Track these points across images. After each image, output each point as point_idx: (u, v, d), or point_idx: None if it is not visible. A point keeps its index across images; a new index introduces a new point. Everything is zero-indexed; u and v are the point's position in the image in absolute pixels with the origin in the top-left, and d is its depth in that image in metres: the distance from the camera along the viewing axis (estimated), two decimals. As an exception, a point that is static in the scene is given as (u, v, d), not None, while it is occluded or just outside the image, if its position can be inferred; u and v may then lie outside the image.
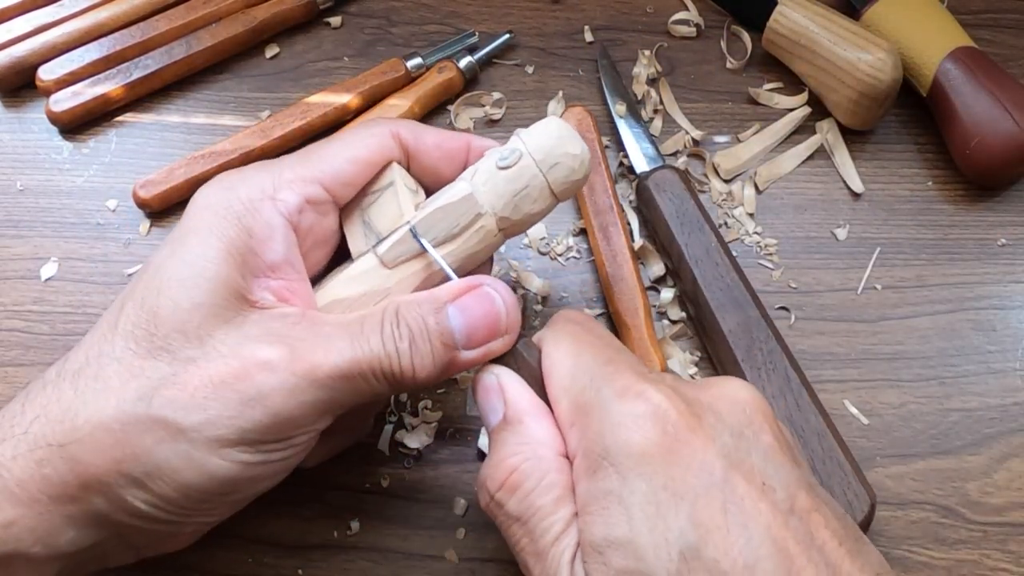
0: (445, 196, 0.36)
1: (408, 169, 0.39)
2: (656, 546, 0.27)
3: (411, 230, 0.36)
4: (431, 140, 0.38)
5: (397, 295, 0.36)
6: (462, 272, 0.37)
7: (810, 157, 0.53)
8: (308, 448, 0.34)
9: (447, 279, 0.36)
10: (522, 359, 0.35)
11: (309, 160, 0.36)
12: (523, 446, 0.32)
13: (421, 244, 0.36)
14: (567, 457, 0.32)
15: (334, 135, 0.38)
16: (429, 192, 0.39)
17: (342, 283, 0.37)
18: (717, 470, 0.28)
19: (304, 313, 0.34)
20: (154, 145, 0.53)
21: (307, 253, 0.36)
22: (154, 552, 0.36)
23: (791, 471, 0.30)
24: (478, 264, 0.38)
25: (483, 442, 0.44)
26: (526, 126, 0.39)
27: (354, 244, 0.38)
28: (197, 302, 0.32)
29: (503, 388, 0.34)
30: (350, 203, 0.38)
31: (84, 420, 0.31)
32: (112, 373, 0.32)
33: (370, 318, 0.34)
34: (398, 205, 0.37)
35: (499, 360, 0.35)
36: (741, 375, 0.43)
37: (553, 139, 0.37)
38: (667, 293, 0.48)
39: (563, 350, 0.33)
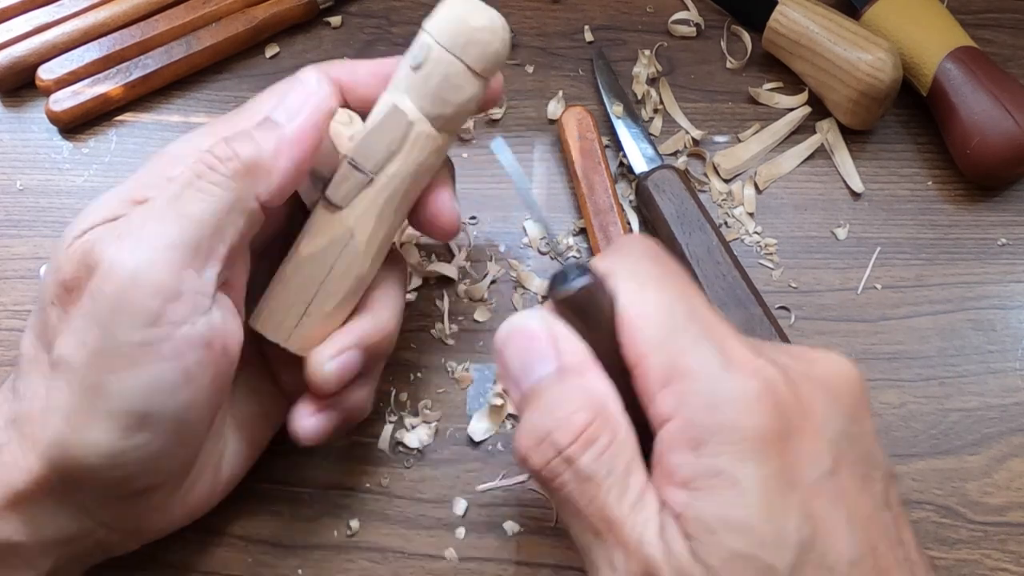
0: (370, 117, 0.36)
1: (347, 105, 0.38)
2: (775, 534, 0.26)
3: (349, 162, 0.35)
4: (364, 70, 0.38)
5: (360, 234, 0.36)
6: (420, 186, 0.37)
7: (810, 157, 0.53)
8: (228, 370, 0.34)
9: (404, 199, 0.36)
10: (590, 299, 0.30)
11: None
12: (592, 399, 0.29)
13: (362, 171, 0.35)
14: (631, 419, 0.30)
15: (269, 90, 0.38)
16: None
17: (304, 242, 0.36)
18: (827, 461, 0.27)
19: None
20: (154, 145, 0.53)
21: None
22: (152, 536, 0.36)
23: (884, 460, 0.29)
24: (435, 172, 0.37)
25: (473, 429, 0.44)
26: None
27: (306, 194, 0.37)
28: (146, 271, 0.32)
29: (556, 336, 0.30)
30: None
31: (29, 400, 0.32)
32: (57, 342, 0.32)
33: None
34: (331, 144, 0.36)
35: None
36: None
37: (456, 19, 0.35)
38: (667, 293, 0.48)
39: (650, 298, 0.30)
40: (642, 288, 0.30)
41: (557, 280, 0.31)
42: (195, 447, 0.35)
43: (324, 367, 0.35)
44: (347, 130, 0.37)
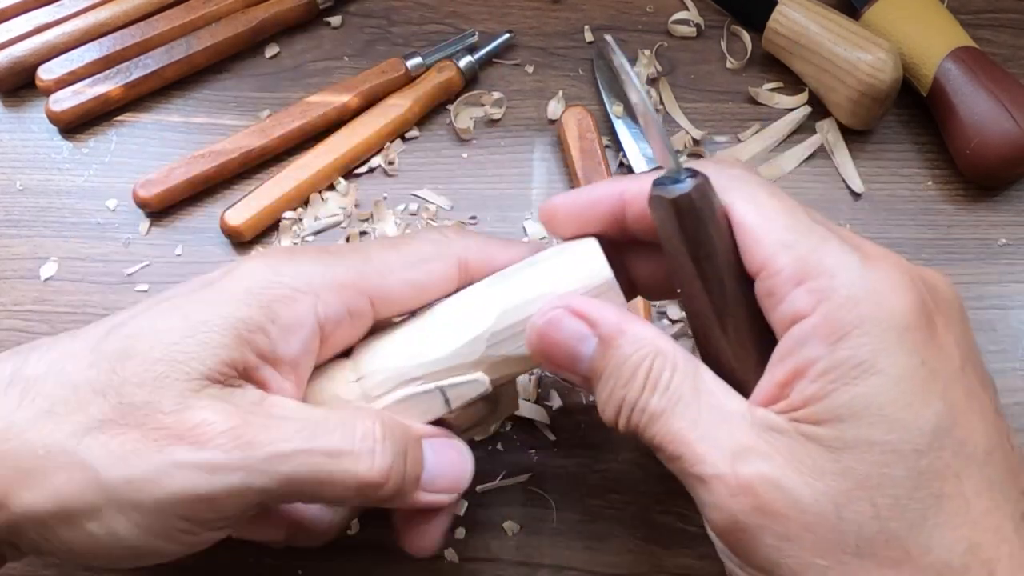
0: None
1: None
2: (912, 419, 0.26)
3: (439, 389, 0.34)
4: (501, 260, 0.35)
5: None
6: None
7: (810, 157, 0.53)
8: (226, 532, 0.32)
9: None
10: (702, 200, 0.29)
11: (366, 268, 0.34)
12: (641, 346, 0.30)
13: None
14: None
15: (398, 240, 0.35)
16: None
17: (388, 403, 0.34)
18: (957, 357, 0.28)
19: (269, 397, 0.31)
20: (154, 145, 0.53)
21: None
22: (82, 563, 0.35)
23: (990, 376, 0.30)
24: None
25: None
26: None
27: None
28: (172, 378, 0.30)
29: (583, 311, 0.31)
30: None
31: (15, 434, 0.30)
32: (62, 397, 0.30)
33: (338, 413, 0.31)
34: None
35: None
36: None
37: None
38: (667, 293, 0.48)
39: (771, 203, 0.30)
40: (759, 195, 0.30)
41: (665, 181, 0.30)
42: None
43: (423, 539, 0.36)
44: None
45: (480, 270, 0.35)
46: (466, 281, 0.35)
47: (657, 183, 0.30)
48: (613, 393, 0.30)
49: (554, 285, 0.33)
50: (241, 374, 0.31)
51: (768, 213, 0.30)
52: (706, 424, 0.29)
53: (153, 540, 0.30)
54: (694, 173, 0.30)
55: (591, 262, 0.33)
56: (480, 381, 0.33)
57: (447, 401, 0.34)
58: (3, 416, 0.30)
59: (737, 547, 0.28)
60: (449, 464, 0.33)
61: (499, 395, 0.36)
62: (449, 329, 0.34)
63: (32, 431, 0.30)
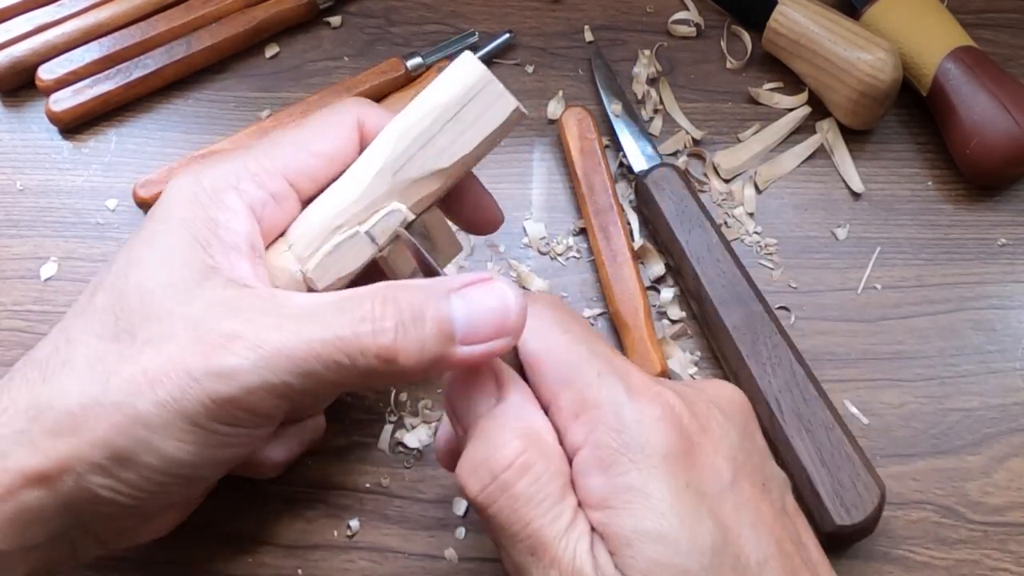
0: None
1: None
2: (690, 540, 0.28)
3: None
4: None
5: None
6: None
7: (810, 157, 0.53)
8: (271, 430, 0.34)
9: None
10: None
11: (273, 151, 0.36)
12: (528, 429, 0.31)
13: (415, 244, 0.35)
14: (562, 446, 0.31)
15: (301, 120, 0.38)
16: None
17: (325, 254, 0.35)
18: (726, 472, 0.30)
19: (274, 292, 0.33)
20: (154, 145, 0.53)
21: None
22: (123, 544, 0.36)
23: (779, 473, 0.33)
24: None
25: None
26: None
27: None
28: (163, 282, 0.32)
29: (497, 373, 0.32)
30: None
31: (48, 405, 0.31)
32: (79, 357, 0.32)
33: (352, 298, 0.31)
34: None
35: None
36: (747, 370, 0.43)
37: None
38: (667, 293, 0.48)
39: (554, 340, 0.32)
40: (546, 335, 0.32)
41: None
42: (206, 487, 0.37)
43: (271, 456, 0.39)
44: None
45: (376, 127, 0.37)
46: (363, 139, 0.37)
47: None
48: (478, 453, 0.30)
49: (439, 95, 0.35)
50: (224, 268, 0.33)
51: (554, 349, 0.32)
52: (566, 529, 0.29)
53: (207, 451, 0.31)
54: None
55: (467, 65, 0.35)
56: (397, 210, 0.35)
57: (373, 239, 0.35)
58: (33, 394, 0.31)
59: None
60: (488, 310, 0.31)
61: (431, 230, 0.37)
62: (356, 173, 0.36)
63: (63, 397, 0.31)
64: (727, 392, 0.33)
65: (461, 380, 0.32)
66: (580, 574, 0.28)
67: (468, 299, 0.31)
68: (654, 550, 0.28)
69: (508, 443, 0.30)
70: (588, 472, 0.30)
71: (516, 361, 0.33)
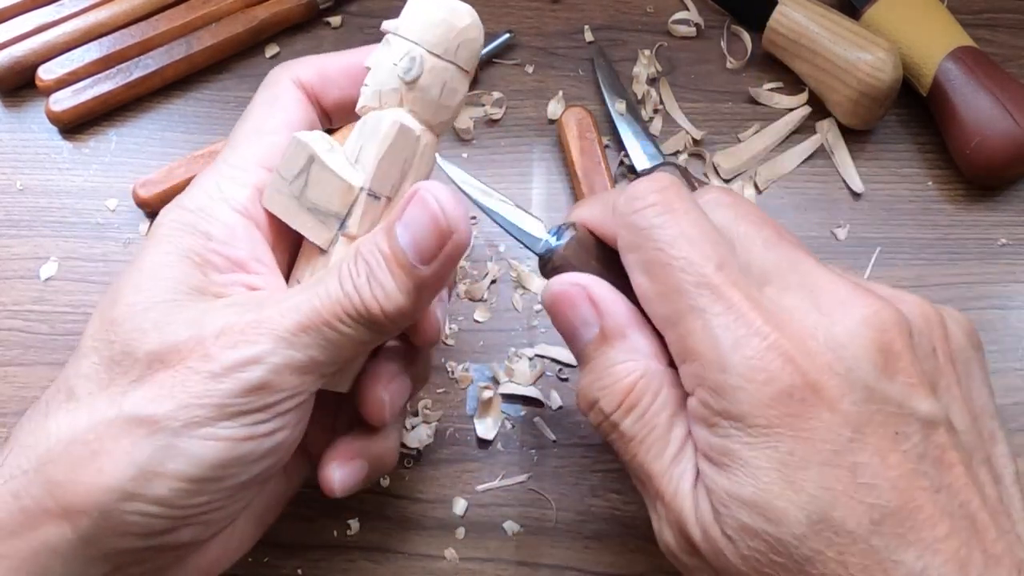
0: (376, 140, 0.33)
1: (320, 107, 0.37)
2: (784, 510, 0.27)
3: (369, 193, 0.33)
4: (336, 67, 0.36)
5: None
6: None
7: (810, 157, 0.53)
8: (300, 418, 0.32)
9: None
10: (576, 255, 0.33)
11: (237, 150, 0.35)
12: (633, 361, 0.31)
13: (379, 197, 0.34)
14: (672, 365, 0.31)
15: (246, 113, 0.36)
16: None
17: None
18: (845, 432, 0.27)
19: (269, 293, 0.33)
20: (154, 145, 0.53)
21: (277, 241, 0.35)
22: None
23: (931, 404, 0.28)
24: (428, 176, 0.36)
25: (482, 430, 0.44)
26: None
27: (314, 234, 0.34)
28: (154, 300, 0.31)
29: (596, 299, 0.32)
30: (275, 198, 0.34)
31: (56, 439, 0.30)
32: (82, 391, 0.30)
33: (330, 269, 0.32)
34: (335, 175, 0.33)
35: (549, 269, 0.34)
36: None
37: (441, 23, 0.33)
38: (667, 293, 0.48)
39: (656, 273, 0.30)
40: (651, 262, 0.30)
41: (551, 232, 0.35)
42: (242, 507, 0.34)
43: (332, 476, 0.36)
44: (340, 157, 0.34)
45: (319, 81, 0.36)
46: (314, 98, 0.36)
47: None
48: (590, 389, 0.32)
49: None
50: (219, 292, 0.32)
51: (655, 282, 0.30)
52: (670, 463, 0.30)
53: (235, 447, 0.30)
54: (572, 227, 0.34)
55: None
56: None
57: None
58: (39, 432, 0.30)
59: (682, 567, 0.31)
60: (422, 223, 0.31)
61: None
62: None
63: (71, 427, 0.30)
64: (873, 317, 0.28)
65: (556, 309, 0.33)
66: (680, 512, 0.29)
67: (407, 223, 0.31)
68: (748, 516, 0.27)
69: (617, 382, 0.31)
70: (697, 422, 0.29)
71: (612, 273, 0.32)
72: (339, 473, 0.35)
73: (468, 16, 0.34)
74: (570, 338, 0.33)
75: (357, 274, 0.31)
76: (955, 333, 0.31)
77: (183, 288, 0.32)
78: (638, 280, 0.31)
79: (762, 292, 0.29)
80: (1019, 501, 0.30)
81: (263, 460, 0.31)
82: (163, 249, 0.32)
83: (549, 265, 0.34)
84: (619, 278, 0.32)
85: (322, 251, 0.34)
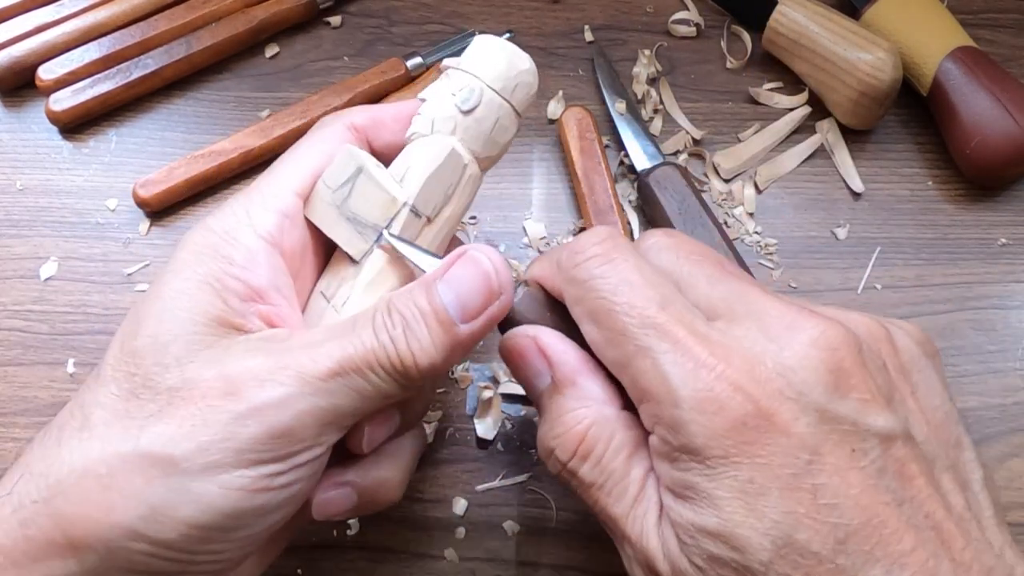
0: (425, 160, 0.34)
1: (371, 148, 0.37)
2: (748, 538, 0.27)
3: (411, 209, 0.34)
4: (389, 113, 0.37)
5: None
6: (454, 223, 0.36)
7: (810, 157, 0.53)
8: (316, 471, 0.32)
9: (447, 241, 0.36)
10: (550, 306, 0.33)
11: (275, 178, 0.35)
12: (584, 409, 0.31)
13: (421, 215, 0.34)
14: (625, 408, 0.31)
15: (293, 146, 0.37)
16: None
17: (360, 292, 0.34)
18: (803, 455, 0.27)
19: (291, 332, 0.32)
20: (154, 145, 0.53)
21: (298, 271, 0.35)
22: None
23: (886, 419, 0.28)
24: (465, 211, 0.37)
25: (482, 430, 0.44)
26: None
27: (349, 244, 0.34)
28: (175, 333, 0.30)
29: (544, 348, 0.32)
30: (319, 208, 0.35)
31: (69, 470, 0.29)
32: (97, 420, 0.30)
33: (361, 316, 0.32)
34: (380, 187, 0.34)
35: (504, 324, 0.34)
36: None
37: (503, 63, 0.35)
38: (667, 293, 0.48)
39: (606, 305, 0.31)
40: (598, 311, 0.31)
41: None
42: (250, 554, 0.33)
43: (315, 496, 0.34)
44: (378, 171, 0.35)
45: (372, 124, 0.37)
46: (365, 139, 0.37)
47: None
48: (546, 438, 0.32)
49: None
50: (239, 323, 0.32)
51: (602, 329, 0.31)
52: (632, 505, 0.30)
53: (250, 497, 0.29)
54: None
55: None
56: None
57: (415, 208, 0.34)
58: (49, 461, 0.30)
59: None
60: (471, 283, 0.31)
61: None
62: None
63: (84, 458, 0.29)
64: (821, 337, 0.28)
65: (510, 362, 0.33)
66: (647, 551, 0.29)
67: (451, 281, 0.31)
68: (714, 546, 0.27)
69: (568, 431, 0.31)
70: (658, 457, 0.30)
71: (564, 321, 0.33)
72: (319, 497, 0.34)
73: (528, 62, 0.36)
74: (527, 389, 0.33)
75: (392, 326, 0.31)
76: (905, 344, 0.31)
77: (203, 319, 0.31)
78: (586, 329, 0.31)
79: (711, 326, 0.30)
80: (989, 506, 0.29)
81: (276, 512, 0.31)
82: (184, 275, 0.32)
83: (504, 321, 0.34)
84: (574, 331, 0.32)
85: (353, 262, 0.34)
